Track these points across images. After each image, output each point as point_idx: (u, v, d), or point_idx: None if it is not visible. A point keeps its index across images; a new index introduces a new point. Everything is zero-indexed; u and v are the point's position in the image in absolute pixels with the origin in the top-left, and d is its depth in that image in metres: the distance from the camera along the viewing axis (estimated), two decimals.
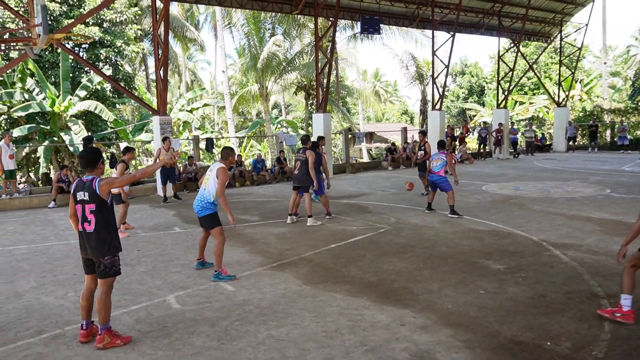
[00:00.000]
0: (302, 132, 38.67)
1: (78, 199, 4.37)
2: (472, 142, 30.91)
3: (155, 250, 7.73)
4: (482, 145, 23.88)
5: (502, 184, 14.19)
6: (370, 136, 44.62)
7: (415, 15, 21.39)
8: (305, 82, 28.72)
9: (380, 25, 19.54)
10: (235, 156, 6.02)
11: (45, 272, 6.71)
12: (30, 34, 7.32)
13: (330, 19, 18.11)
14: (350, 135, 24.20)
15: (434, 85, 21.55)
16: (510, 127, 24.26)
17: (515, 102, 36.84)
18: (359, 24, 20.58)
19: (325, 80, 17.96)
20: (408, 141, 22.21)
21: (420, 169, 12.72)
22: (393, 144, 23.33)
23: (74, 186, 4.45)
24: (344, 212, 10.55)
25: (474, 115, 42.26)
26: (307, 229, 8.94)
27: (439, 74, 22.82)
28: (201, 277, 6.22)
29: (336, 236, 8.31)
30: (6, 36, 16.29)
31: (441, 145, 10.39)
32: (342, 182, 16.22)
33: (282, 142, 19.39)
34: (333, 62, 22.84)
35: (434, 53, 21.62)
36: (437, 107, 21.28)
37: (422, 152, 12.43)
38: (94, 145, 4.59)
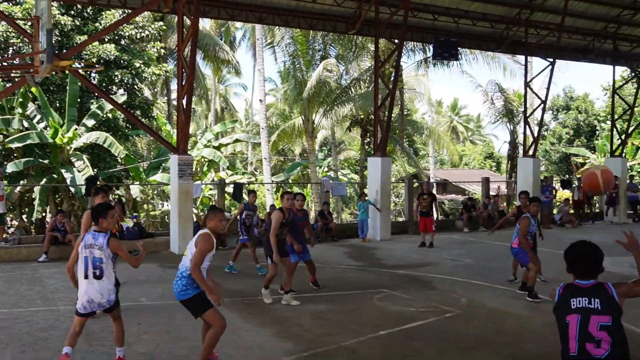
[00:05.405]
0: (355, 177, 38.96)
1: None
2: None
3: (159, 326, 7.87)
4: (588, 204, 23.27)
5: (615, 258, 13.55)
6: (443, 186, 44.27)
7: (504, 37, 21.42)
8: (361, 116, 29.12)
9: (459, 48, 19.70)
10: (222, 220, 5.94)
11: (25, 346, 6.93)
12: (32, 61, 7.92)
13: (395, 40, 18.47)
14: (416, 184, 24.14)
15: (526, 125, 21.31)
16: (628, 181, 23.53)
17: (638, 148, 35.80)
18: (431, 46, 20.83)
19: (386, 115, 18.07)
20: (492, 194, 21.91)
21: None
22: (471, 197, 23.07)
23: None
24: (401, 287, 10.43)
25: (582, 164, 41.32)
26: (353, 308, 8.89)
27: (533, 111, 22.67)
28: None
29: (389, 320, 8.21)
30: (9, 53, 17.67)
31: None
32: (401, 245, 16.08)
33: (327, 191, 19.52)
34: (397, 93, 23.10)
35: (527, 84, 21.56)
36: (531, 152, 21.01)
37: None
38: None
